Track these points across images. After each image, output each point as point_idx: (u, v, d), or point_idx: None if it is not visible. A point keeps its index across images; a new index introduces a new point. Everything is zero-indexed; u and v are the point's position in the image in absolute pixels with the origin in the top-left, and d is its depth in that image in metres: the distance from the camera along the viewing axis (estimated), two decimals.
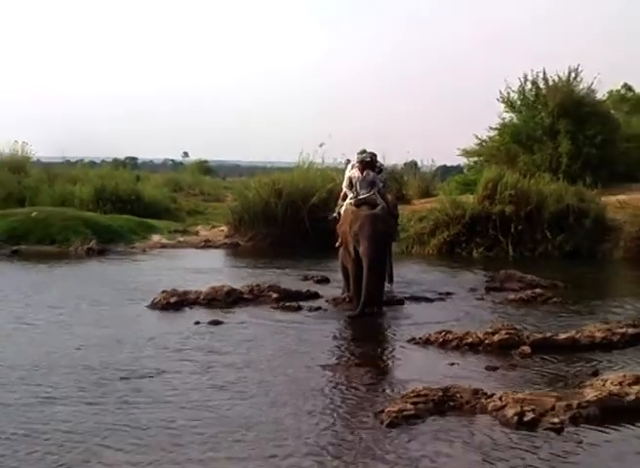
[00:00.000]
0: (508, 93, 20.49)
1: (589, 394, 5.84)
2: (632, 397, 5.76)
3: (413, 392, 5.94)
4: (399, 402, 5.81)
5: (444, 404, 5.80)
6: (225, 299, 10.04)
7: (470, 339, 7.81)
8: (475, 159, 22.00)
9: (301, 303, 9.94)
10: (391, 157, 18.86)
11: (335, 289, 10.86)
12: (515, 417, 5.48)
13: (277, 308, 9.77)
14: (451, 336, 7.91)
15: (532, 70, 20.37)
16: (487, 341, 7.74)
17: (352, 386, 6.50)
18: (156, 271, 13.34)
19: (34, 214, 17.31)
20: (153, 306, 9.81)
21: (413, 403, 5.72)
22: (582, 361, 7.33)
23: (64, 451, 4.98)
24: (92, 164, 31.68)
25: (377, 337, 8.72)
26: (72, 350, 7.63)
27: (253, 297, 10.25)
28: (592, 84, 20.09)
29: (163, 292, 10.10)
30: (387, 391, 6.40)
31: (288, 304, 9.85)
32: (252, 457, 4.89)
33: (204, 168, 40.73)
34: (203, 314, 9.36)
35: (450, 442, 5.18)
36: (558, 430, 5.33)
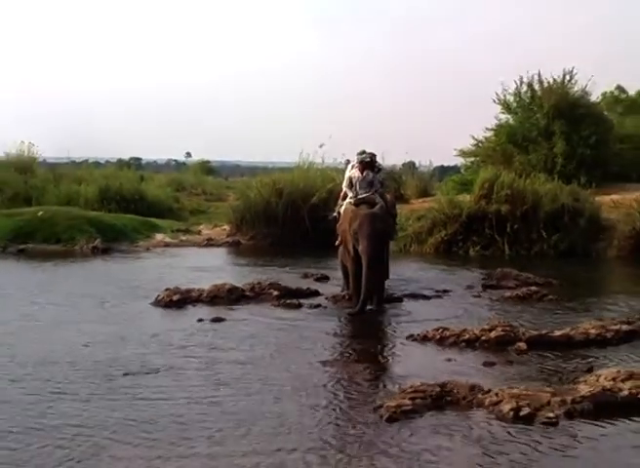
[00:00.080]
0: (504, 94, 20.53)
1: (584, 389, 5.86)
2: (625, 392, 5.77)
3: (411, 387, 5.95)
4: (398, 397, 5.83)
5: (441, 399, 5.82)
6: (227, 297, 10.05)
7: (467, 336, 7.82)
8: (472, 159, 21.99)
9: (302, 301, 9.95)
10: (390, 157, 18.86)
11: (334, 286, 10.88)
12: (511, 412, 5.50)
13: (278, 305, 9.78)
14: (448, 333, 7.92)
15: (527, 72, 20.43)
16: (484, 338, 7.76)
17: (352, 382, 6.53)
18: (159, 269, 13.35)
19: (40, 213, 17.31)
20: (157, 304, 9.82)
21: (411, 398, 5.74)
22: (577, 357, 7.35)
23: (74, 445, 5.00)
24: (96, 164, 31.60)
25: (376, 334, 8.73)
26: (79, 347, 7.64)
27: (254, 295, 10.25)
28: (586, 86, 20.15)
29: (166, 289, 10.11)
30: (386, 386, 6.42)
31: (289, 302, 9.87)
32: (257, 451, 4.90)
33: (206, 168, 40.72)
34: (206, 311, 9.37)
35: (449, 436, 5.20)
36: (553, 424, 5.35)
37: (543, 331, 7.97)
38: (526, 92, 20.38)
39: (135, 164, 38.76)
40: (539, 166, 18.72)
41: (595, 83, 20.39)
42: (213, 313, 9.19)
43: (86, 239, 16.16)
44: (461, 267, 13.75)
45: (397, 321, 9.09)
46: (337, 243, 10.06)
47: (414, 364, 7.25)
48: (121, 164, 32.26)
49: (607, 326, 8.18)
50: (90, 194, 20.85)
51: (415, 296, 10.50)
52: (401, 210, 14.74)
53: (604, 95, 24.79)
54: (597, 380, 6.02)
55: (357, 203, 9.65)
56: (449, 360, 7.21)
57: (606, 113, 21.84)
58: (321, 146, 19.15)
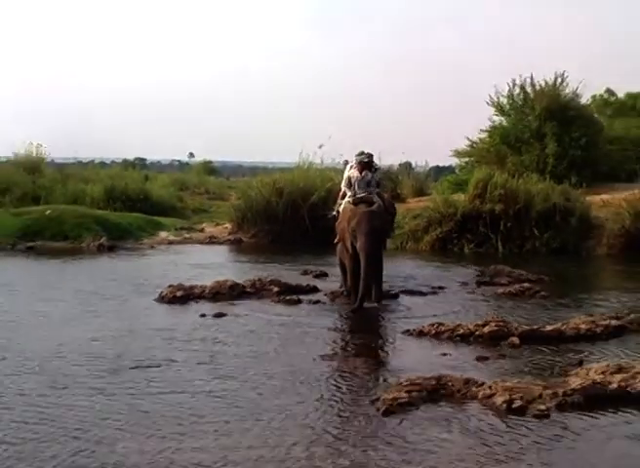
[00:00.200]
0: (498, 97, 20.53)
1: (574, 382, 5.87)
2: (615, 385, 5.79)
3: (407, 381, 5.97)
4: (394, 390, 5.83)
5: (437, 392, 5.83)
6: (229, 293, 10.05)
7: (462, 331, 7.83)
8: (466, 160, 21.99)
9: (301, 297, 9.95)
10: (387, 157, 18.89)
11: (333, 283, 10.87)
12: (504, 405, 5.51)
13: (278, 301, 9.79)
14: (443, 328, 7.93)
15: (520, 75, 20.42)
16: (477, 333, 7.77)
17: (351, 375, 6.53)
18: (163, 266, 13.36)
19: (48, 212, 17.30)
20: (161, 300, 9.82)
21: (407, 391, 5.75)
22: (568, 351, 7.35)
23: (81, 437, 5.00)
24: (102, 164, 31.64)
25: (373, 329, 8.73)
26: (86, 341, 7.65)
27: (255, 291, 10.26)
28: (577, 89, 20.16)
29: (170, 286, 10.11)
30: (384, 380, 6.42)
31: (288, 298, 9.87)
32: (262, 444, 4.89)
33: (209, 168, 40.74)
34: (208, 307, 9.37)
35: (445, 427, 5.22)
36: (545, 417, 5.36)
37: (535, 327, 7.98)
38: (519, 94, 20.37)
39: (139, 164, 38.77)
40: (531, 166, 18.73)
41: (586, 86, 20.44)
42: (215, 309, 9.20)
43: (92, 237, 16.15)
44: (456, 264, 13.75)
45: (394, 316, 9.09)
46: (335, 240, 10.07)
47: (410, 358, 7.26)
48: (126, 164, 32.30)
49: (597, 321, 8.19)
50: (96, 193, 20.86)
51: (411, 293, 10.51)
52: (398, 208, 14.64)
53: (594, 97, 24.85)
54: (587, 374, 6.03)
55: (356, 202, 9.66)
56: (444, 354, 7.21)
57: (596, 115, 21.86)
58: (320, 147, 19.18)
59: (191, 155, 57.18)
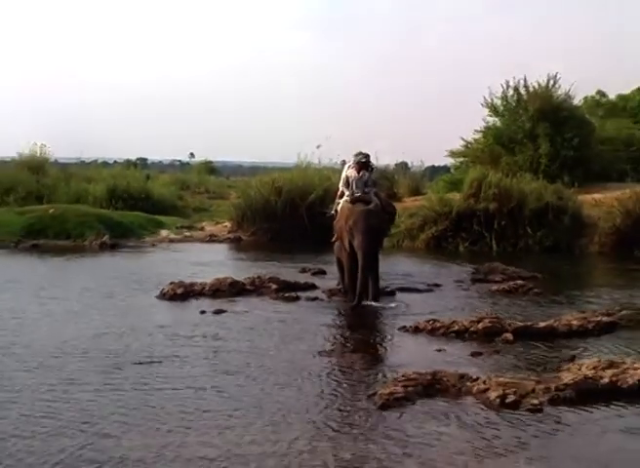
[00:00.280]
0: (492, 98, 20.52)
1: (566, 377, 5.88)
2: (606, 380, 5.80)
3: (403, 376, 5.97)
4: (390, 385, 5.84)
5: (432, 387, 5.83)
6: (229, 290, 10.05)
7: (457, 327, 7.84)
8: (461, 160, 22.01)
9: (300, 294, 9.96)
10: (384, 157, 18.87)
11: (330, 280, 10.88)
12: (498, 399, 5.52)
13: (277, 298, 9.79)
14: (438, 324, 7.94)
15: (513, 77, 20.42)
16: (472, 329, 7.77)
17: (348, 370, 6.54)
18: (164, 264, 13.36)
19: (51, 210, 17.30)
20: (162, 297, 9.82)
21: (403, 386, 5.75)
22: (560, 347, 7.37)
23: (88, 431, 5.01)
24: (105, 164, 31.61)
25: (370, 325, 8.74)
26: (89, 337, 7.64)
27: (254, 288, 10.26)
28: (569, 90, 20.16)
29: (171, 283, 10.10)
30: (380, 375, 6.42)
31: (287, 295, 9.88)
32: (264, 439, 4.87)
33: (209, 168, 40.66)
34: (208, 304, 9.37)
35: (440, 422, 5.22)
36: (538, 411, 5.37)
37: (529, 323, 7.99)
38: (512, 96, 20.37)
39: (141, 164, 38.63)
40: (524, 166, 18.74)
41: (577, 88, 20.44)
42: (215, 305, 9.19)
43: (95, 235, 16.16)
44: (451, 262, 13.77)
45: (390, 313, 9.09)
46: (333, 239, 10.07)
47: (406, 353, 7.26)
48: (128, 164, 32.18)
49: (588, 317, 8.21)
50: (98, 192, 20.88)
51: (407, 290, 10.52)
52: None
53: (585, 99, 24.86)
54: (579, 369, 6.04)
55: (353, 201, 9.67)
56: (439, 350, 7.22)
57: (588, 116, 21.85)
58: (318, 147, 19.24)
59: (192, 155, 57.04)
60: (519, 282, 10.85)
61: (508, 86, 20.35)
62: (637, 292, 10.47)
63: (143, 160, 47.74)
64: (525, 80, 20.25)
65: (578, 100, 21.40)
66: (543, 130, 19.18)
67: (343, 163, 11.93)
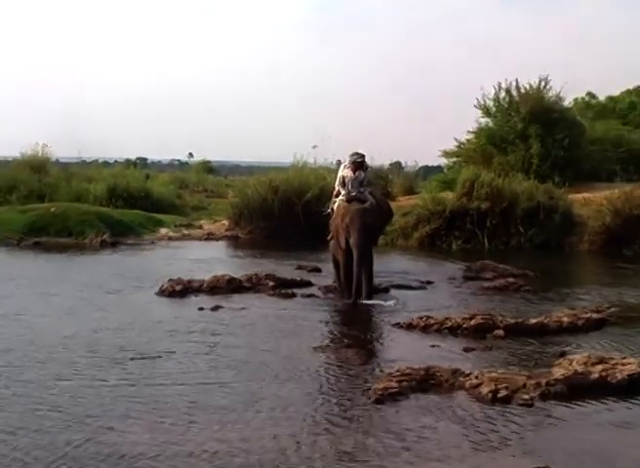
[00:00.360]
0: (484, 100, 20.52)
1: (557, 373, 5.88)
2: (596, 375, 5.81)
3: (397, 371, 5.97)
4: (385, 380, 5.84)
5: (426, 382, 5.84)
6: (227, 287, 10.05)
7: (449, 324, 7.84)
8: (454, 160, 21.98)
9: (296, 291, 9.96)
10: (378, 157, 18.90)
11: (326, 278, 10.87)
12: (490, 394, 5.53)
13: (274, 295, 9.79)
14: (432, 321, 7.94)
15: (505, 79, 20.41)
16: (464, 325, 7.78)
17: (344, 366, 6.53)
18: (163, 261, 13.34)
19: (53, 209, 17.30)
20: (161, 293, 9.81)
21: (397, 381, 5.76)
22: (551, 343, 7.38)
23: (87, 424, 5.01)
24: (105, 164, 31.55)
25: (364, 322, 8.73)
26: (90, 333, 7.64)
27: (251, 285, 10.26)
28: (560, 92, 20.17)
29: (170, 280, 10.09)
30: (375, 370, 6.43)
31: (283, 292, 9.88)
32: (262, 435, 4.86)
33: (207, 167, 40.51)
34: (206, 300, 9.36)
35: (434, 416, 5.23)
36: (529, 405, 5.38)
37: (520, 320, 8.00)
38: (504, 97, 20.35)
39: (141, 163, 38.60)
40: (516, 166, 18.73)
41: (568, 90, 20.46)
42: (213, 302, 9.19)
43: (95, 233, 16.15)
44: (444, 260, 13.78)
45: (384, 309, 9.08)
46: (328, 237, 10.07)
47: (400, 349, 7.27)
48: (128, 163, 32.12)
49: (578, 314, 8.22)
50: (99, 191, 20.82)
51: (401, 287, 10.52)
52: None
53: (576, 100, 24.88)
54: (570, 364, 6.04)
55: (349, 200, 9.67)
56: (432, 346, 7.22)
57: (578, 118, 21.86)
58: (314, 148, 19.27)
59: (191, 155, 56.88)
60: (510, 279, 10.86)
61: (501, 88, 20.37)
62: (626, 290, 10.48)
63: (143, 160, 47.64)
64: (517, 82, 20.27)
65: (568, 102, 21.48)
66: (535, 131, 19.18)
67: (339, 163, 11.91)
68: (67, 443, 4.68)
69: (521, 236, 15.62)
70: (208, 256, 13.99)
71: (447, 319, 7.95)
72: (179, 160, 58.62)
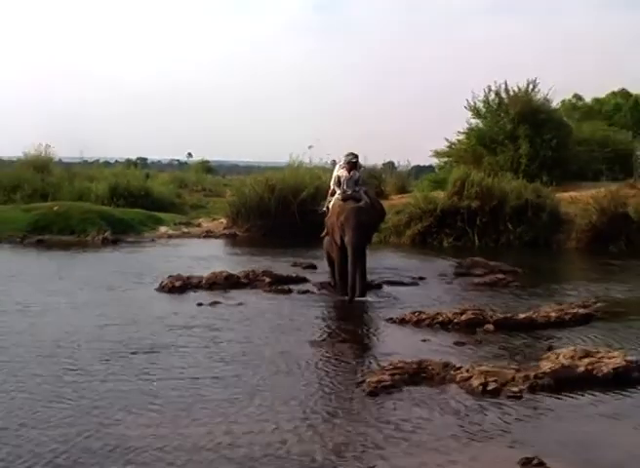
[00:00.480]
0: (475, 101, 20.53)
1: (545, 366, 5.89)
2: (582, 369, 5.82)
3: (390, 365, 5.98)
4: (378, 373, 5.85)
5: (418, 375, 5.85)
6: (225, 283, 10.06)
7: (441, 319, 7.85)
8: (445, 160, 21.99)
9: (292, 287, 9.97)
10: (372, 157, 18.90)
11: (321, 274, 10.88)
12: (480, 387, 5.54)
13: (270, 291, 9.79)
14: (424, 316, 7.94)
15: (495, 82, 20.44)
16: (455, 320, 7.79)
17: (338, 359, 6.54)
18: (163, 258, 13.34)
19: (56, 208, 17.30)
20: (161, 289, 9.81)
21: (390, 374, 5.76)
22: (539, 337, 7.40)
23: (92, 415, 5.01)
24: (107, 164, 31.55)
25: (358, 317, 8.73)
26: (93, 328, 7.63)
27: (249, 282, 10.26)
28: (548, 94, 20.19)
29: (169, 276, 10.10)
30: (368, 364, 6.43)
31: (280, 288, 9.88)
32: (264, 426, 4.87)
33: (206, 167, 40.52)
34: (205, 296, 9.35)
35: (426, 408, 5.25)
36: (518, 398, 5.38)
37: (509, 314, 8.01)
38: (494, 99, 20.37)
39: (141, 163, 38.64)
40: (505, 166, 18.76)
41: (556, 92, 20.47)
42: (211, 298, 9.18)
43: (97, 231, 16.17)
44: (436, 257, 13.79)
45: (378, 305, 9.09)
46: (322, 234, 10.07)
47: (393, 343, 7.27)
48: (128, 163, 32.11)
49: (566, 309, 8.24)
50: (100, 191, 20.82)
51: (393, 283, 10.53)
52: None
53: (563, 102, 24.91)
54: (557, 358, 6.05)
55: (345, 198, 9.66)
56: (424, 340, 7.23)
57: (565, 119, 21.89)
58: (309, 148, 19.31)
59: (190, 155, 56.91)
60: (500, 275, 10.88)
61: (490, 90, 20.38)
62: (612, 286, 10.51)
63: (143, 159, 47.65)
64: (506, 84, 20.29)
65: (556, 104, 21.49)
66: (523, 131, 19.19)
67: (334, 163, 11.91)
68: (77, 434, 4.68)
69: (510, 234, 15.67)
70: (206, 254, 13.99)
71: (438, 314, 7.95)
72: (178, 160, 58.63)
